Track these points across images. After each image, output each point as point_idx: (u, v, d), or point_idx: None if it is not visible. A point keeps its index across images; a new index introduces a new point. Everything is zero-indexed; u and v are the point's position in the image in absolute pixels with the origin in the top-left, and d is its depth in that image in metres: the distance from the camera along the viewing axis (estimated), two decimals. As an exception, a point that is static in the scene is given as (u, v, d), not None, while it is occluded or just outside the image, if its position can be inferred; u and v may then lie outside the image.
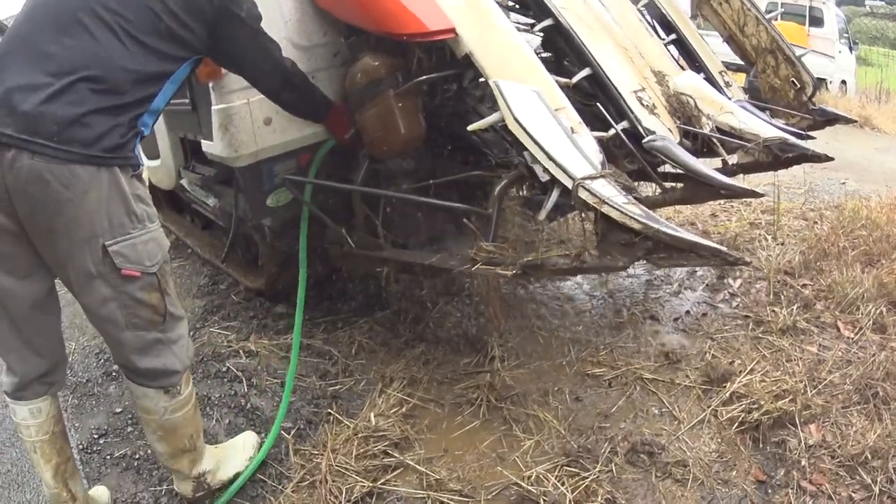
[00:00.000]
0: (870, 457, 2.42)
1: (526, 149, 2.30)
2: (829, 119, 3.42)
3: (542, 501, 2.27)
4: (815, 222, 4.63)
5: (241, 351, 3.18)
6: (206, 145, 2.74)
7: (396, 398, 2.79)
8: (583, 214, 2.21)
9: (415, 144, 2.77)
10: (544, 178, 2.27)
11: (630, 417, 2.72)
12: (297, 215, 2.98)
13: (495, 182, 2.50)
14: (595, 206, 2.00)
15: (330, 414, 2.74)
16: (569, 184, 2.08)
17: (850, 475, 2.38)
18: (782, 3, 11.58)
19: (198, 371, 3.03)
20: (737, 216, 4.77)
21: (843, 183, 5.92)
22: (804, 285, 3.62)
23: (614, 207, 1.95)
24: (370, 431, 2.58)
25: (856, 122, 3.79)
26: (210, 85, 2.50)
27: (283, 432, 2.62)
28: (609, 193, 2.00)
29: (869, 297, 3.42)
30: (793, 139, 2.83)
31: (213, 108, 2.53)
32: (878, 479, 2.34)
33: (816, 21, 12.11)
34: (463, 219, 2.53)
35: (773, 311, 3.38)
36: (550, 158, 2.12)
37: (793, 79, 3.46)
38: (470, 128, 2.38)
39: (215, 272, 3.91)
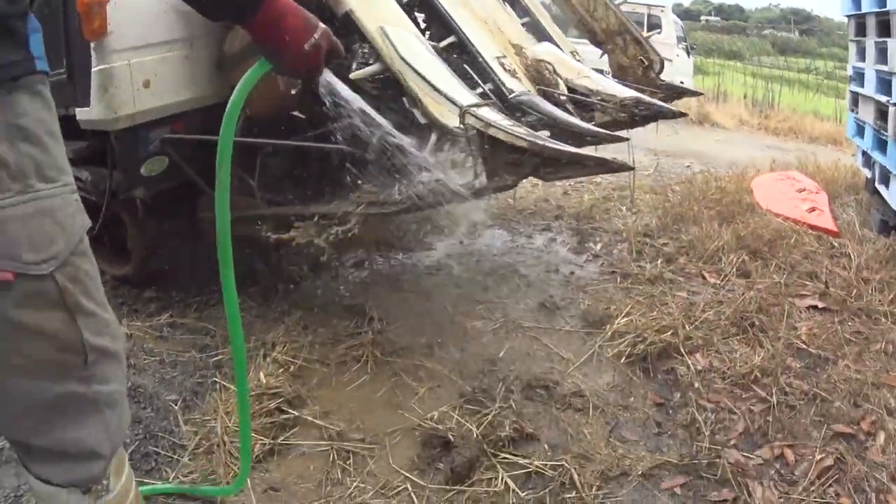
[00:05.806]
0: (759, 375, 2.61)
1: (404, 95, 2.39)
2: (677, 93, 3.76)
3: (450, 436, 2.27)
4: (667, 195, 5.00)
5: (113, 334, 2.98)
6: (80, 113, 2.64)
7: (282, 360, 2.72)
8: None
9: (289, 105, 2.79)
10: (423, 121, 2.37)
11: (518, 360, 2.79)
12: (171, 186, 2.89)
13: None
14: (481, 129, 2.10)
15: (216, 382, 2.62)
16: (455, 111, 2.17)
17: (745, 391, 2.55)
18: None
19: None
20: (588, 193, 5.07)
21: (688, 166, 6.47)
22: (664, 244, 3.91)
23: (501, 129, 2.07)
24: (262, 390, 2.50)
25: (702, 94, 4.21)
26: (92, 45, 2.46)
27: (170, 404, 2.49)
28: (494, 118, 2.12)
29: (729, 249, 3.73)
30: (647, 98, 3.09)
31: (94, 69, 2.50)
32: (774, 392, 2.52)
33: (655, 27, 13.07)
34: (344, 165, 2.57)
35: (639, 265, 3.62)
36: (436, 90, 2.21)
37: (641, 57, 3.77)
38: (352, 76, 2.43)
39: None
